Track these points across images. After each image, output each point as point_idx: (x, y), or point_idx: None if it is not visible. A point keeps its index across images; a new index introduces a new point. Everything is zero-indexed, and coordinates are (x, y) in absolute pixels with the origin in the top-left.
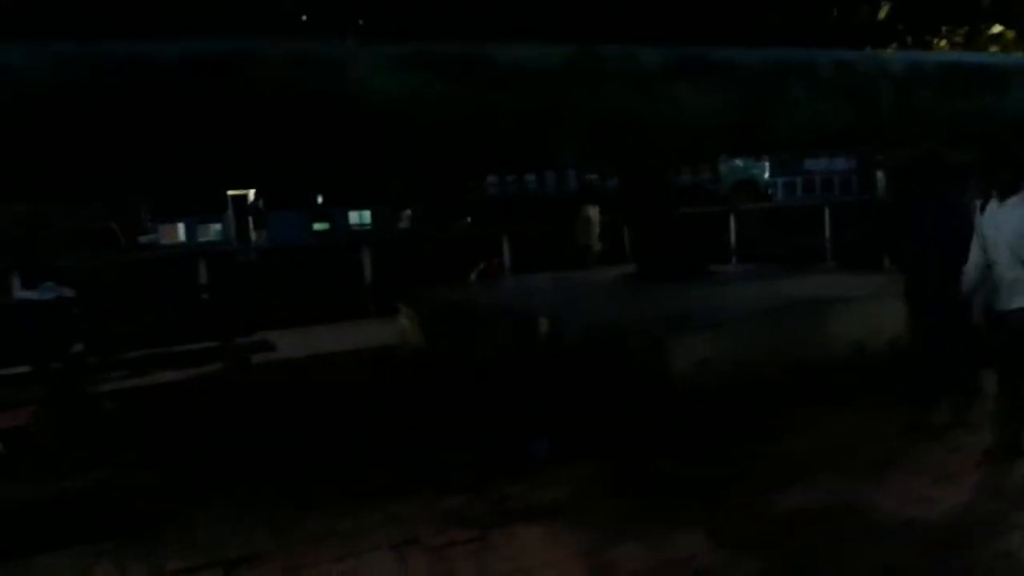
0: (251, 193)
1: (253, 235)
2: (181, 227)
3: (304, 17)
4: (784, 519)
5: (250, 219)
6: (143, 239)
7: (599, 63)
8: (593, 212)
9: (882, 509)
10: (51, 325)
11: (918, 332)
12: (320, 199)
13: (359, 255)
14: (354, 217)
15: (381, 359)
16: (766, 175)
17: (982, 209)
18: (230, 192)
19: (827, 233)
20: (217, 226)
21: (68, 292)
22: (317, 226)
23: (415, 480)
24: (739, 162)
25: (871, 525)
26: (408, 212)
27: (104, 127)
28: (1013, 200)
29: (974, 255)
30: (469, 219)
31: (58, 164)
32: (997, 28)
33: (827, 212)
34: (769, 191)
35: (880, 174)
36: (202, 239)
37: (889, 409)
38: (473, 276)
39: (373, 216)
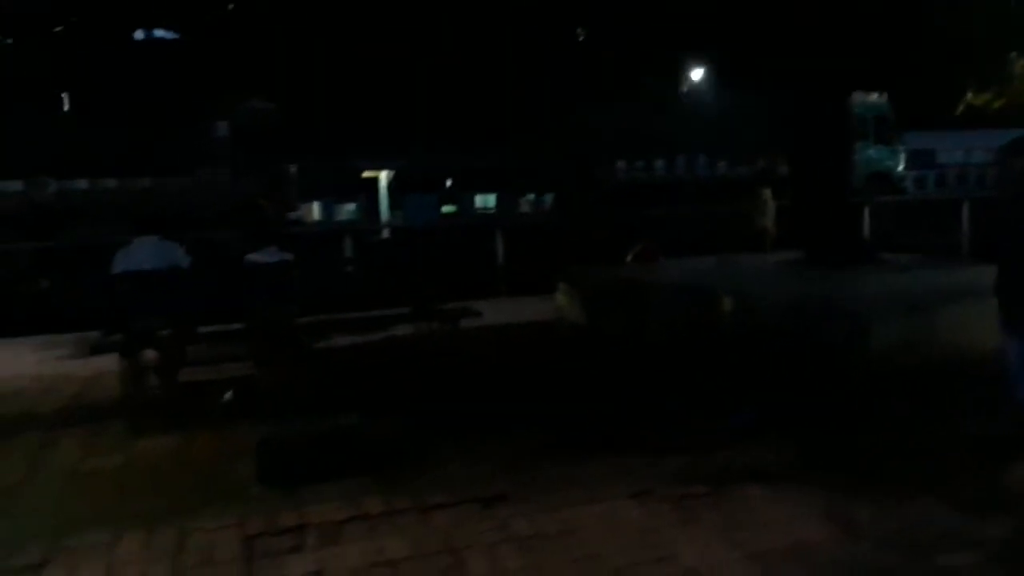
0: (382, 175)
1: (388, 215)
2: (316, 206)
3: None
4: (1015, 491)
5: (386, 200)
6: (292, 215)
7: None
8: (768, 195)
9: None
10: (275, 285)
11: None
12: (449, 182)
13: (487, 235)
14: (479, 200)
15: (546, 332)
16: (900, 168)
17: None
18: (364, 174)
19: (964, 227)
20: (351, 206)
21: (288, 256)
22: (445, 208)
23: (631, 441)
24: (873, 153)
25: None
26: (531, 197)
27: None
28: None
29: None
30: (591, 203)
31: None
32: None
33: (966, 207)
34: (903, 184)
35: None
36: (338, 218)
37: None
38: (630, 257)
39: (497, 200)
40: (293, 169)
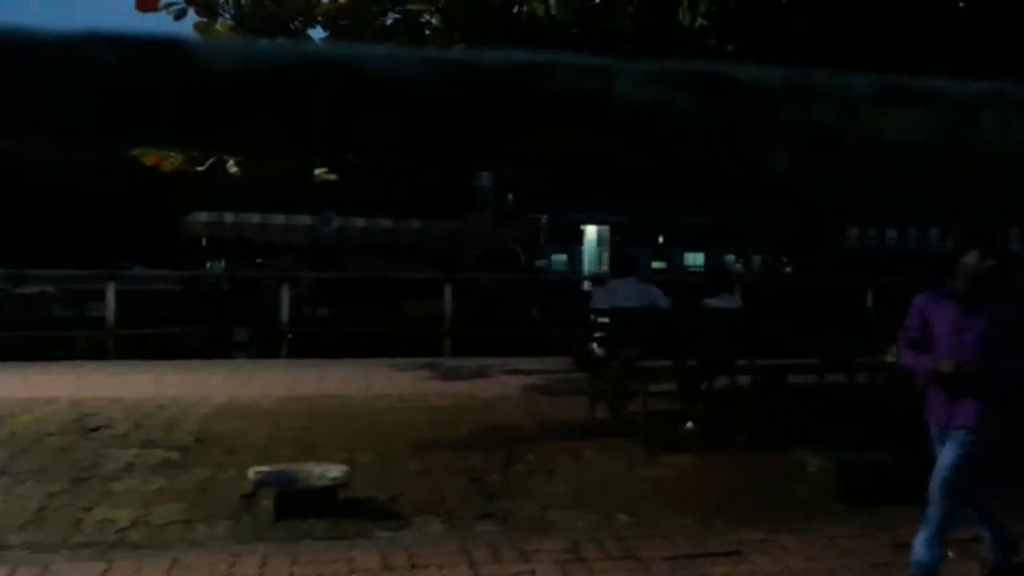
0: (590, 229)
1: (604, 267)
2: None
3: None
4: None
5: (593, 252)
6: (539, 263)
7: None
8: None
9: None
10: (728, 328)
11: None
12: (661, 239)
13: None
14: (688, 259)
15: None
16: None
17: None
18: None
19: None
20: (563, 256)
21: (739, 303)
22: (655, 264)
23: None
24: None
25: None
26: (735, 258)
27: None
28: None
29: None
30: (788, 269)
31: None
32: None
33: None
34: None
35: None
36: (553, 268)
37: None
38: None
39: (705, 259)
40: (544, 219)
